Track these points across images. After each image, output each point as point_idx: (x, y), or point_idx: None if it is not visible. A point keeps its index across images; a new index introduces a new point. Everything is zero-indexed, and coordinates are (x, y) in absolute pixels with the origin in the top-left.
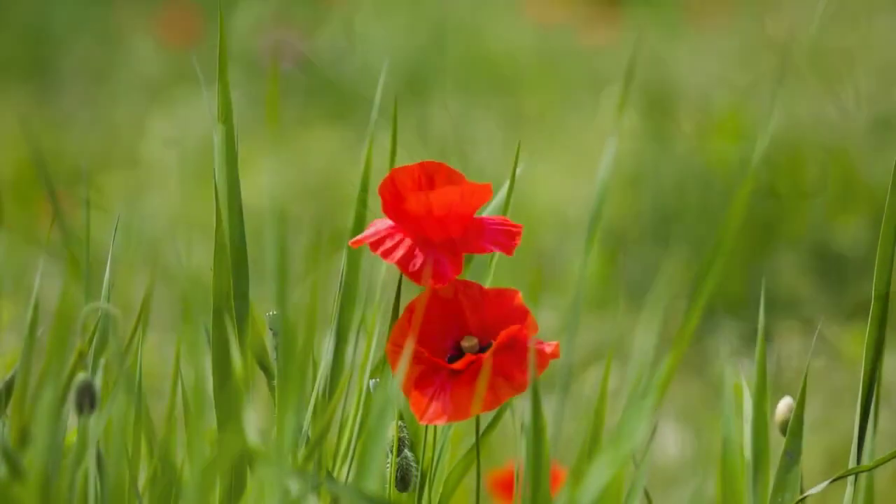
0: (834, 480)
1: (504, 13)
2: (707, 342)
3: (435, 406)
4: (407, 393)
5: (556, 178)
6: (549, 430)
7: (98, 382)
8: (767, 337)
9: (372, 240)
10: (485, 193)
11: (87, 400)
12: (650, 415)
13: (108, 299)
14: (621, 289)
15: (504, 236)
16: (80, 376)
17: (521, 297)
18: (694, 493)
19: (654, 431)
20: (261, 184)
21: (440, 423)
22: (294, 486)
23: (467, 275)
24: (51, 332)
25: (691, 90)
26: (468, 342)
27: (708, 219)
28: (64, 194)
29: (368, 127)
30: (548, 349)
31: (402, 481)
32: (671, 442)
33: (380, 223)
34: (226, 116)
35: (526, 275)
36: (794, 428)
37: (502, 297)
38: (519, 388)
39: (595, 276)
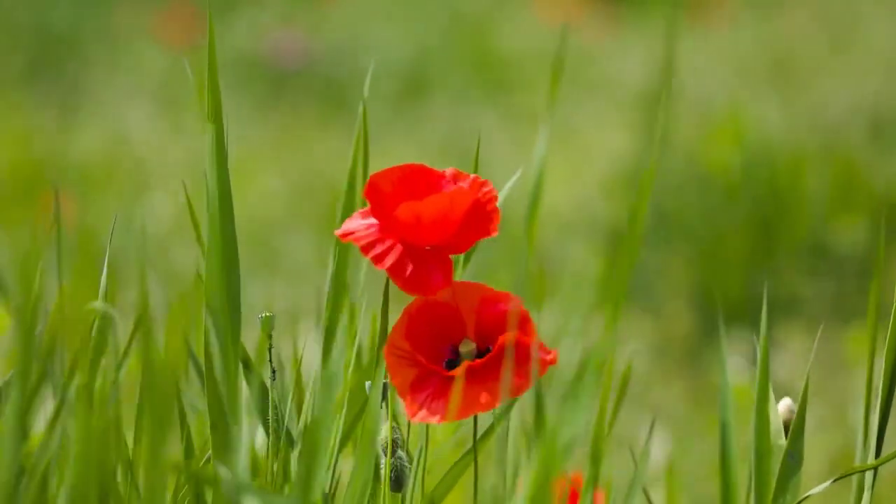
0: (836, 480)
1: (511, 13)
2: (707, 344)
3: (428, 407)
4: (402, 396)
5: (559, 178)
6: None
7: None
8: (768, 338)
9: (362, 242)
10: (471, 195)
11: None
12: (588, 399)
13: (105, 300)
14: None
15: (484, 222)
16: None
17: (519, 301)
18: (694, 496)
19: (651, 432)
20: (263, 184)
21: (431, 422)
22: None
23: (469, 273)
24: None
25: (692, 91)
26: (465, 347)
27: (708, 220)
28: (65, 195)
29: (356, 126)
30: (548, 357)
31: (397, 482)
32: (670, 443)
33: (364, 216)
34: (216, 116)
35: (525, 277)
36: (795, 429)
37: (500, 300)
38: (515, 393)
39: (593, 277)
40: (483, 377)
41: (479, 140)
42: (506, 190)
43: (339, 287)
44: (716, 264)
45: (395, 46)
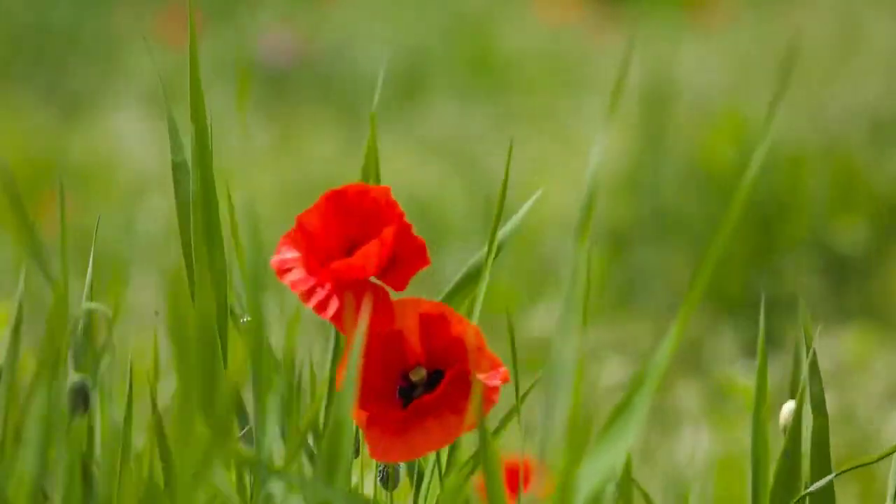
0: (833, 478)
1: (510, 13)
2: (708, 344)
3: (386, 445)
4: (361, 428)
5: (558, 178)
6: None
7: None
8: (768, 338)
9: (300, 290)
10: (397, 230)
11: (81, 401)
12: (643, 411)
13: (90, 298)
14: (618, 290)
15: (415, 254)
16: (75, 377)
17: (458, 315)
18: (696, 495)
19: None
20: (260, 183)
21: (393, 461)
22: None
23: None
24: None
25: (692, 91)
26: (416, 375)
27: (708, 220)
28: (64, 195)
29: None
30: (494, 382)
31: (387, 480)
32: (668, 444)
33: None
34: (198, 116)
35: (527, 279)
36: (793, 429)
37: (440, 318)
38: (470, 426)
39: (593, 278)
40: (434, 410)
41: (477, 140)
42: (523, 211)
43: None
44: (717, 263)
45: (394, 46)
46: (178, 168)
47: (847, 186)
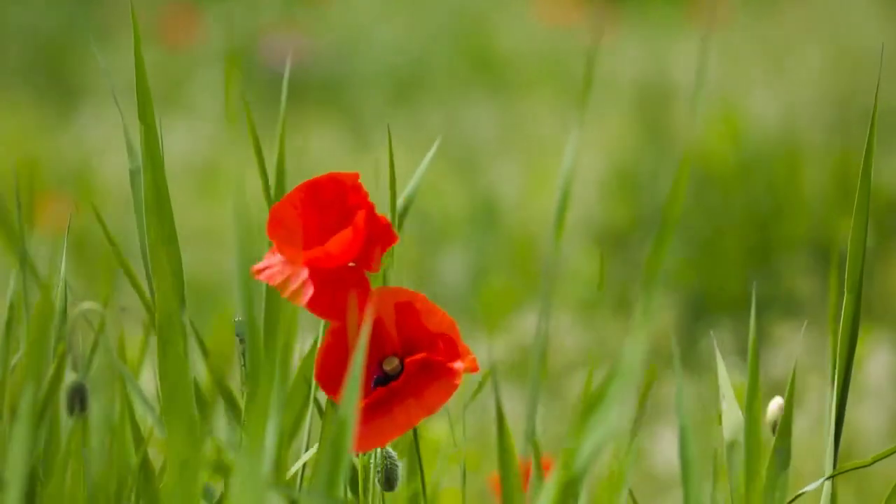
0: (828, 478)
1: (509, 14)
2: (704, 344)
3: (358, 433)
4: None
5: (557, 177)
6: (530, 428)
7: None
8: (766, 338)
9: (276, 282)
10: (367, 214)
11: (78, 401)
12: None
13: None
14: (616, 290)
15: (382, 233)
16: (72, 377)
17: (431, 304)
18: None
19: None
20: (257, 183)
21: (362, 450)
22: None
23: (468, 271)
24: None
25: (690, 90)
26: (389, 364)
27: (706, 218)
28: (61, 196)
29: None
30: (458, 366)
31: (388, 482)
32: (666, 444)
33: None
34: (146, 115)
35: (525, 279)
36: (783, 427)
37: (413, 307)
38: (431, 410)
39: (590, 277)
40: (398, 397)
41: (477, 140)
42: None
43: (274, 306)
44: (714, 263)
45: (393, 46)
46: (135, 174)
47: (845, 184)
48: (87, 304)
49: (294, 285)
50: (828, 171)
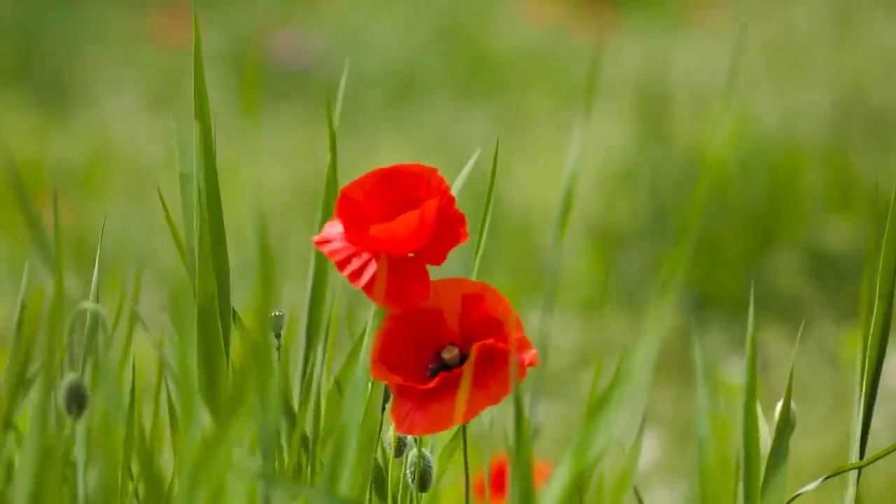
0: (827, 478)
1: (501, 13)
2: (702, 344)
3: (412, 418)
4: (393, 394)
5: (556, 176)
6: (532, 430)
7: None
8: (764, 338)
9: (338, 258)
10: (440, 206)
11: (76, 402)
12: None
13: (98, 300)
14: (617, 288)
15: (453, 228)
16: (70, 377)
17: (499, 296)
18: (684, 496)
19: (641, 431)
20: (251, 185)
21: (416, 434)
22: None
23: (467, 270)
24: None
25: (688, 89)
26: (448, 353)
27: (705, 218)
28: (59, 196)
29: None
30: (526, 358)
31: (422, 482)
32: (664, 444)
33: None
34: (203, 116)
35: (526, 278)
36: (780, 427)
37: (482, 298)
38: (495, 400)
39: (591, 276)
40: (461, 385)
41: (474, 140)
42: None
43: (320, 292)
44: (713, 262)
45: (389, 46)
46: (185, 179)
47: (844, 185)
48: (87, 305)
49: (356, 265)
50: (827, 172)
